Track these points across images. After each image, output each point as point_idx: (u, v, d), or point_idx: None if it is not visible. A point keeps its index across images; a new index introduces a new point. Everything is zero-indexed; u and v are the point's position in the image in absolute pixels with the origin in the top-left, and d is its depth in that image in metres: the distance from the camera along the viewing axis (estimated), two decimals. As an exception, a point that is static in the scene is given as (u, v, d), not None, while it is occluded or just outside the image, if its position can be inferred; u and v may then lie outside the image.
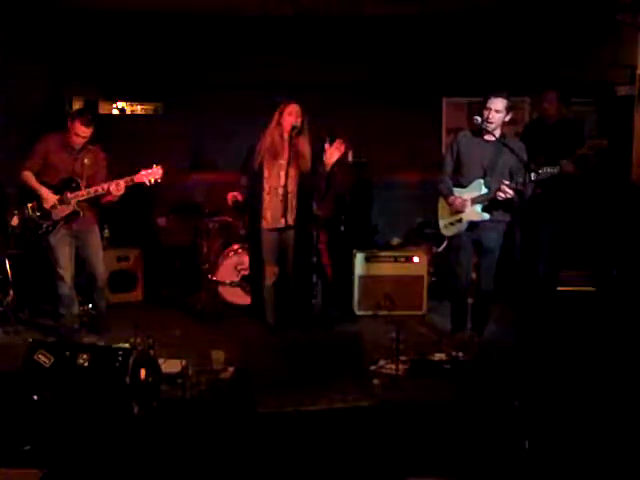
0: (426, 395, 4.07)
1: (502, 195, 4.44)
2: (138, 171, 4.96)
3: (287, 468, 3.22)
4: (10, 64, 6.15)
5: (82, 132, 4.92)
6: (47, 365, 3.68)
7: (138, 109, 7.69)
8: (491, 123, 4.53)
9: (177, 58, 6.95)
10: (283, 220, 5.00)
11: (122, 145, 6.24)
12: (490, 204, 4.61)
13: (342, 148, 4.92)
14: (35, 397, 3.62)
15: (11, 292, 5.52)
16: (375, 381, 4.31)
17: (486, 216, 4.62)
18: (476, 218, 4.66)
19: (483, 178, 4.62)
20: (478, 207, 4.63)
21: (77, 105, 7.20)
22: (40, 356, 3.71)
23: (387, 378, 4.35)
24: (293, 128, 4.92)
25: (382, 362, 4.56)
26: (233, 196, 5.16)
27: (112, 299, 5.88)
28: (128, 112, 7.62)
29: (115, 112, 7.57)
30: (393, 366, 4.44)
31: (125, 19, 6.58)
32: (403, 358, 4.52)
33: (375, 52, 6.87)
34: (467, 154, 4.70)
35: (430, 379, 4.33)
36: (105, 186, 4.91)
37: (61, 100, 7.01)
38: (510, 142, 4.53)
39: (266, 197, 5.02)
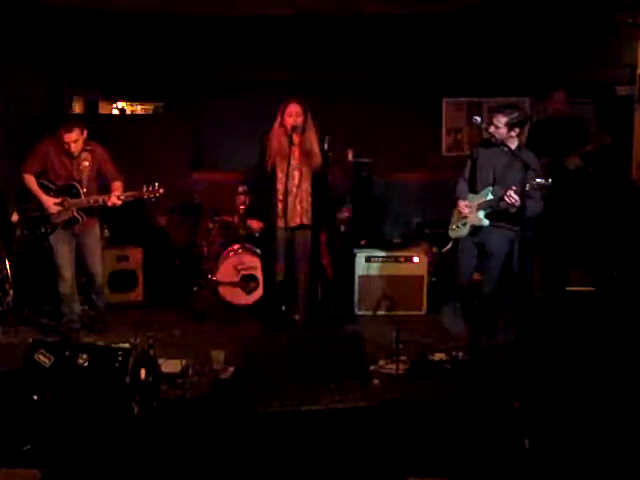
0: (426, 395, 4.08)
1: (508, 200, 4.43)
2: (140, 188, 4.99)
3: (287, 468, 3.22)
4: (10, 65, 6.15)
5: (68, 139, 4.89)
6: (47, 365, 3.68)
7: (138, 109, 7.70)
8: (495, 135, 4.57)
9: (177, 58, 6.95)
10: (298, 219, 5.02)
11: (122, 145, 6.23)
12: (495, 210, 4.63)
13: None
14: (35, 397, 3.62)
15: (11, 292, 5.51)
16: (375, 381, 4.31)
17: (485, 222, 4.65)
18: (477, 223, 4.70)
19: (492, 185, 4.65)
20: (482, 212, 4.66)
21: (78, 105, 7.22)
22: (40, 356, 3.71)
23: (387, 378, 4.35)
24: (294, 128, 4.92)
25: (382, 362, 4.56)
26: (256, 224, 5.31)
27: (112, 299, 5.87)
28: (128, 112, 7.63)
29: (115, 112, 7.58)
30: (393, 366, 4.44)
31: (125, 20, 6.59)
32: (403, 358, 4.52)
33: (375, 52, 6.87)
34: (482, 161, 4.76)
35: (430, 379, 4.33)
36: (105, 198, 4.96)
37: (61, 100, 7.02)
38: (523, 154, 4.54)
39: (280, 197, 5.01)
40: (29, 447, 3.28)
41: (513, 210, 4.46)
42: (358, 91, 6.94)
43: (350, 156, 6.83)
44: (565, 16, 6.40)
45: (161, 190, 4.98)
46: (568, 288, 5.96)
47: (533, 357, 4.43)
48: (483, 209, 4.65)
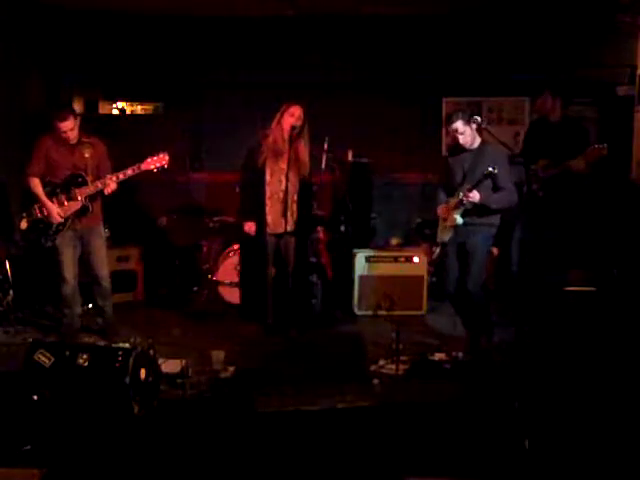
0: (426, 395, 4.08)
1: (465, 200, 4.49)
2: (144, 159, 4.93)
3: (287, 468, 3.22)
4: (10, 65, 6.15)
5: (64, 127, 4.85)
6: (47, 365, 3.68)
7: (138, 109, 7.69)
8: (464, 143, 4.58)
9: (177, 58, 6.95)
10: (283, 225, 5.01)
11: (122, 145, 6.22)
12: (467, 209, 4.66)
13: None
14: (35, 397, 3.62)
15: (11, 292, 5.52)
16: (375, 381, 4.31)
17: (460, 221, 4.68)
18: (453, 223, 4.74)
19: (462, 185, 4.68)
20: (456, 212, 4.70)
21: (78, 105, 7.21)
22: (40, 356, 3.70)
23: (387, 378, 4.35)
24: (292, 129, 4.92)
25: (382, 362, 4.56)
26: (249, 227, 5.20)
27: (112, 299, 5.87)
28: (128, 112, 7.63)
29: (115, 112, 7.58)
30: (393, 366, 4.44)
31: (125, 20, 6.60)
32: (403, 358, 4.52)
33: (375, 52, 6.87)
34: (453, 165, 4.80)
35: (430, 379, 4.33)
36: (113, 177, 4.90)
37: (61, 101, 7.01)
38: (488, 149, 4.59)
39: (268, 202, 5.04)
40: (29, 447, 3.29)
41: (469, 206, 4.51)
42: (358, 91, 6.94)
43: (350, 156, 6.84)
44: (565, 16, 6.40)
45: (166, 157, 4.93)
46: (568, 288, 5.96)
47: (532, 357, 4.43)
48: (457, 209, 4.69)
